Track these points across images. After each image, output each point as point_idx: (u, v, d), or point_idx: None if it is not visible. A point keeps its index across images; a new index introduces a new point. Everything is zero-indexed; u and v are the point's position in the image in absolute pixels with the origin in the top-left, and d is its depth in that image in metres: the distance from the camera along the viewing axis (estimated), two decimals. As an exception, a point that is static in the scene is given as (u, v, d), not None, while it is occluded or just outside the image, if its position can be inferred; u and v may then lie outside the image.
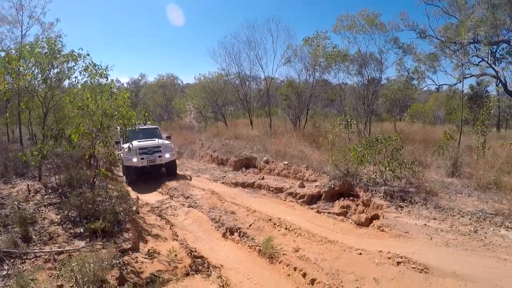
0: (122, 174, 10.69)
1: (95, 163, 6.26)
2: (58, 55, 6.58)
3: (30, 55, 6.21)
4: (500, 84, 13.46)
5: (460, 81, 13.17)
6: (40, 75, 6.74)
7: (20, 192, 5.72)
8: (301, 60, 15.96)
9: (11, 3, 11.88)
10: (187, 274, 4.26)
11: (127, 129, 6.02)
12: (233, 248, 5.46)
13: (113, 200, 5.80)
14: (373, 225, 6.06)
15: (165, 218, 6.74)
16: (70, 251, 3.98)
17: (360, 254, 4.65)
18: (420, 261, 4.13)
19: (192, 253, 4.86)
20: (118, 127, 7.41)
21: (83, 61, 6.45)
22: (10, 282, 3.18)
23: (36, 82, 7.03)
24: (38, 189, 5.95)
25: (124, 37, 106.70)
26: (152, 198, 8.60)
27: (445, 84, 16.01)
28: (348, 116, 10.51)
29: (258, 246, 5.17)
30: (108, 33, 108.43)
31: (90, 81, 6.22)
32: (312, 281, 4.12)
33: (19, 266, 3.54)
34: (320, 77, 16.20)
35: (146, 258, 4.47)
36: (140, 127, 8.09)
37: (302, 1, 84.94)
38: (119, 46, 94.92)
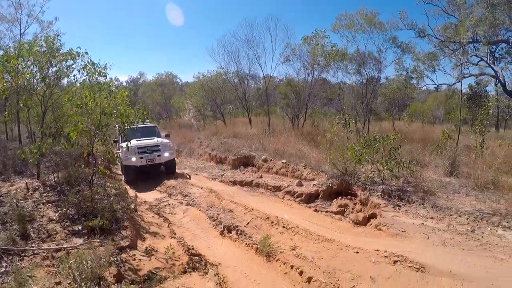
0: (120, 173, 10.68)
1: (94, 161, 6.28)
2: (56, 54, 6.59)
3: (28, 53, 6.20)
4: (499, 83, 13.49)
5: (459, 81, 13.18)
6: (38, 74, 6.76)
7: (18, 190, 5.73)
8: (300, 59, 15.92)
9: (9, 2, 11.79)
10: (185, 272, 4.29)
11: (126, 127, 6.03)
12: (231, 246, 5.49)
13: (111, 198, 5.82)
14: (371, 224, 6.07)
15: (163, 216, 6.76)
16: (68, 249, 4.00)
17: (357, 252, 4.67)
18: (416, 260, 4.16)
19: (190, 251, 4.88)
20: (117, 126, 7.42)
21: (81, 60, 6.45)
22: (8, 279, 3.21)
23: (34, 81, 7.05)
24: (37, 187, 5.97)
25: (123, 36, 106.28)
26: (150, 196, 8.60)
27: (444, 84, 16.06)
28: (347, 115, 10.50)
29: (255, 244, 5.19)
30: (107, 32, 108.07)
31: (89, 80, 6.22)
32: (309, 279, 4.13)
33: (18, 263, 3.56)
34: (319, 76, 16.19)
35: (143, 255, 4.50)
36: (138, 126, 8.08)
37: (302, 0, 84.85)
38: (118, 45, 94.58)
